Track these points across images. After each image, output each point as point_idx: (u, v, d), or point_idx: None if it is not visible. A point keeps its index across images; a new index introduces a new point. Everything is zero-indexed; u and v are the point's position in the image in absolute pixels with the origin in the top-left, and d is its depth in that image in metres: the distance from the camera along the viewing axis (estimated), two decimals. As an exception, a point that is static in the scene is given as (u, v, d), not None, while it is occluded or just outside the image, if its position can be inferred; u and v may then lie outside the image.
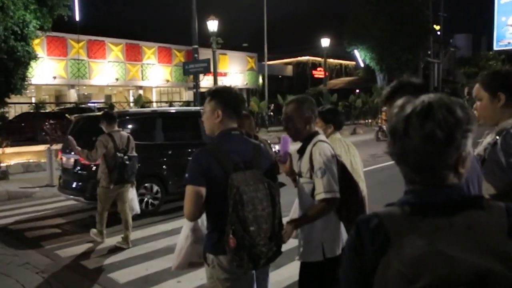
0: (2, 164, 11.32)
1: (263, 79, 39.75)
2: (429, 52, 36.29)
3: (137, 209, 6.02)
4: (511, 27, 48.03)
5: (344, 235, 2.65)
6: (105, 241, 5.96)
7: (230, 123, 2.36)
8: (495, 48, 47.91)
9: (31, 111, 22.19)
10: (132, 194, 5.93)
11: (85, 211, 7.84)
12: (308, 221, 2.56)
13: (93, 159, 5.62)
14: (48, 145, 11.02)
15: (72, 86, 27.64)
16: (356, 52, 31.88)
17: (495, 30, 48.93)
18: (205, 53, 33.67)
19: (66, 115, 20.08)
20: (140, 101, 15.89)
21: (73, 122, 8.08)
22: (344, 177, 2.61)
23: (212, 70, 16.16)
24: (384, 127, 20.81)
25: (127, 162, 5.62)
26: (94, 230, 5.96)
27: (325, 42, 24.89)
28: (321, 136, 2.69)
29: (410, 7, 28.89)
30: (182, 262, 2.64)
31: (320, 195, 2.48)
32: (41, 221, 7.31)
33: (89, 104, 24.32)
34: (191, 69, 14.88)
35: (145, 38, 30.98)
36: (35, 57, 15.16)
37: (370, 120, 27.40)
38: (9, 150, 12.46)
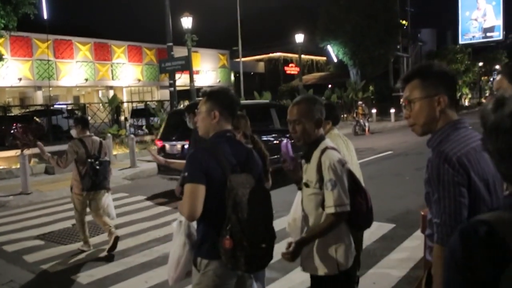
0: (-30, 172, 10.60)
1: (235, 76, 39.58)
2: (398, 47, 36.87)
3: (113, 215, 5.84)
4: (475, 21, 49.56)
5: (353, 245, 2.54)
6: (91, 249, 5.64)
7: (225, 125, 2.33)
8: (461, 42, 49.33)
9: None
10: (108, 200, 5.75)
11: (67, 219, 7.37)
12: (317, 237, 2.42)
13: (63, 165, 5.39)
14: (19, 150, 10.38)
15: (39, 88, 26.61)
16: (329, 47, 31.96)
17: (459, 25, 50.37)
18: (178, 51, 33.04)
19: (35, 117, 19.26)
20: (115, 101, 15.32)
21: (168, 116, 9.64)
22: (353, 184, 2.46)
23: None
24: (361, 121, 20.97)
25: (98, 167, 5.45)
26: (80, 243, 5.78)
27: (299, 37, 24.80)
28: (328, 141, 2.50)
29: (380, 2, 29.18)
30: (181, 273, 2.52)
31: (330, 209, 2.33)
32: (20, 232, 6.79)
33: (57, 106, 23.46)
34: (168, 67, 14.41)
35: (114, 37, 30.10)
36: (0, 58, 14.38)
37: (345, 115, 27.49)
38: (-24, 156, 11.72)
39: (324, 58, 47.88)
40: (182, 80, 33.14)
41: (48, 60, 26.20)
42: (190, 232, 2.48)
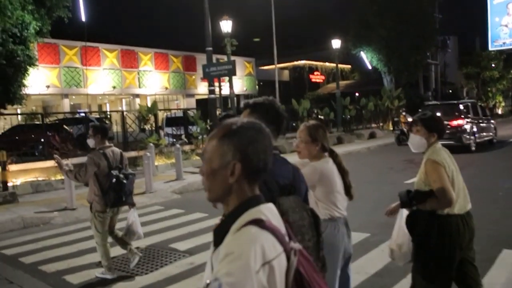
0: (9, 184, 9.78)
1: (259, 84, 38.71)
2: (427, 54, 35.65)
3: (140, 233, 5.32)
4: (505, 27, 48.02)
5: None
6: (115, 276, 4.99)
7: None
8: (490, 48, 47.68)
9: (23, 123, 20.62)
10: (133, 216, 5.22)
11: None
12: None
13: (82, 179, 4.88)
14: (67, 160, 9.53)
15: (66, 96, 26.02)
16: (363, 54, 30.87)
17: (489, 31, 48.86)
18: (204, 59, 32.54)
19: (64, 126, 18.55)
20: (154, 109, 14.50)
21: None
22: None
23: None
24: (405, 130, 19.84)
25: (125, 181, 4.91)
26: (99, 270, 5.10)
27: (336, 43, 23.75)
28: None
29: (414, 7, 28.10)
30: None
31: None
32: (78, 257, 5.87)
33: (82, 114, 22.81)
34: (213, 73, 13.48)
35: (140, 44, 29.48)
36: (35, 63, 13.64)
37: (381, 124, 26.37)
38: (13, 167, 10.91)
39: (349, 66, 46.79)
40: (206, 88, 32.54)
41: (76, 67, 25.64)
42: None
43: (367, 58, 30.86)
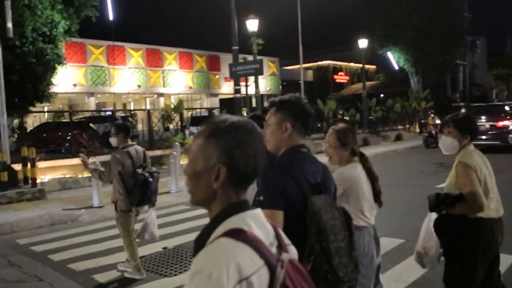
0: (37, 181, 9.87)
1: (282, 85, 38.52)
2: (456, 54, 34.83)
3: (156, 234, 5.18)
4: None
5: None
6: (144, 276, 4.90)
7: (298, 139, 2.07)
8: (522, 49, 46.49)
9: (50, 121, 20.90)
10: (151, 216, 5.09)
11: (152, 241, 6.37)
12: None
13: (106, 179, 4.82)
14: (94, 158, 9.57)
15: (92, 94, 26.38)
16: (390, 54, 30.34)
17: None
18: (228, 58, 32.54)
19: (90, 124, 18.75)
20: (180, 107, 14.48)
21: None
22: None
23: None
24: (434, 132, 19.37)
25: (150, 180, 4.82)
26: (128, 269, 4.98)
27: (363, 43, 23.36)
28: None
29: (444, 6, 27.46)
30: None
31: None
32: (105, 256, 5.83)
33: (108, 112, 23.08)
34: (240, 72, 13.38)
35: (165, 43, 29.68)
36: (63, 61, 13.80)
37: (408, 126, 25.84)
38: (41, 164, 11.01)
39: (374, 67, 46.13)
40: (230, 88, 32.47)
41: (102, 66, 25.95)
42: None
43: (394, 58, 30.29)
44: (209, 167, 1.17)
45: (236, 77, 13.79)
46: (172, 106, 14.95)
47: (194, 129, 16.58)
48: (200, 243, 1.16)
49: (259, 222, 1.17)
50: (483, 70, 48.15)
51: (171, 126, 16.07)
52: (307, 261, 1.84)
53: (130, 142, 4.99)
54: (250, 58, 27.80)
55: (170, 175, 10.37)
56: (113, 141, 5.01)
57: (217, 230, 1.13)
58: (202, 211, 8.41)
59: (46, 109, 23.03)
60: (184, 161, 13.33)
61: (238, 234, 1.09)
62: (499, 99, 45.05)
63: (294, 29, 28.42)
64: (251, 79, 15.81)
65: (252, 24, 15.83)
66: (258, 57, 30.89)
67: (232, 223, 1.13)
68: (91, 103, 26.37)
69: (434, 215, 3.10)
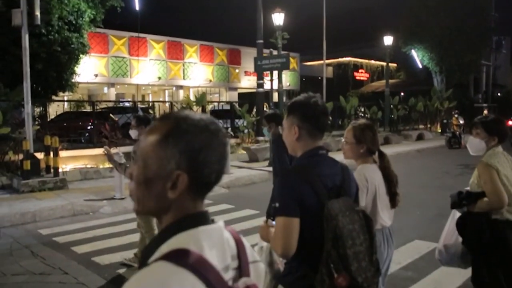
0: (60, 170, 9.83)
1: (301, 80, 38.14)
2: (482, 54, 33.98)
3: None
4: None
5: None
6: None
7: (311, 141, 2.00)
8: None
9: (70, 110, 20.98)
10: None
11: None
12: None
13: None
14: (115, 149, 9.49)
15: (112, 85, 26.42)
16: (414, 52, 29.72)
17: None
18: (249, 52, 32.29)
19: (111, 115, 18.74)
20: (203, 100, 14.33)
21: None
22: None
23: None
24: (457, 133, 18.93)
25: None
26: (134, 264, 4.88)
27: (388, 40, 22.89)
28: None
29: (471, 4, 26.76)
30: None
31: None
32: (120, 246, 5.71)
33: (127, 104, 23.07)
34: (265, 66, 13.14)
35: (186, 36, 29.56)
36: (87, 51, 13.77)
37: (429, 125, 25.32)
38: (63, 153, 10.98)
39: (395, 65, 45.38)
40: (250, 82, 32.19)
41: (123, 57, 25.96)
42: (272, 260, 2.30)
43: (417, 56, 29.67)
44: (165, 173, 0.96)
45: (261, 71, 13.56)
46: (194, 98, 14.79)
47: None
48: (144, 259, 0.96)
49: (214, 240, 0.97)
50: (507, 71, 46.96)
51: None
52: (324, 266, 1.82)
53: None
54: (273, 52, 27.53)
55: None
56: (133, 133, 4.88)
57: (162, 248, 0.94)
58: (225, 206, 8.29)
59: (66, 98, 23.16)
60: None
61: (180, 258, 0.89)
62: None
63: (315, 24, 28.04)
64: (274, 73, 15.53)
65: (278, 18, 15.53)
66: (283, 53, 30.72)
67: (179, 241, 0.94)
68: (111, 93, 26.41)
69: (457, 214, 3.14)
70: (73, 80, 13.99)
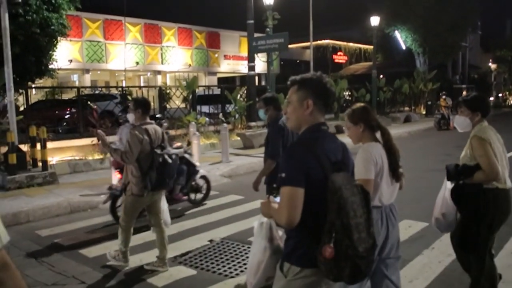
0: (48, 164, 9.02)
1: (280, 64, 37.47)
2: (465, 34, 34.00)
3: (168, 221, 4.85)
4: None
5: None
6: (128, 266, 4.58)
7: (319, 117, 2.08)
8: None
9: (43, 99, 19.79)
10: (163, 203, 4.77)
11: (192, 231, 5.66)
12: None
13: (129, 161, 4.29)
14: (96, 139, 8.73)
15: (87, 71, 25.15)
16: (397, 33, 29.46)
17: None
18: (228, 36, 31.35)
19: (89, 102, 17.73)
20: (193, 85, 13.60)
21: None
22: None
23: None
24: (446, 114, 18.85)
25: (170, 161, 4.46)
26: (112, 253, 4.61)
27: (375, 20, 22.44)
28: None
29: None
30: (260, 279, 2.33)
31: None
32: (135, 248, 5.11)
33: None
34: (261, 46, 12.46)
35: (164, 18, 28.40)
36: (67, 32, 12.77)
37: (414, 107, 25.27)
38: (48, 145, 10.13)
39: (372, 47, 45.32)
40: (229, 66, 31.34)
41: (98, 42, 24.72)
42: (272, 235, 2.34)
43: (401, 37, 29.43)
44: None
45: (256, 52, 12.89)
46: (186, 83, 14.02)
47: (205, 108, 15.67)
48: None
49: None
50: (478, 52, 47.61)
51: (174, 105, 15.17)
52: (327, 236, 1.85)
53: (148, 120, 4.55)
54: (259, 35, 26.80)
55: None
56: (130, 117, 4.73)
57: None
58: (234, 197, 7.72)
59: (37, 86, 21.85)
60: (202, 141, 12.53)
61: None
62: (497, 81, 44.78)
63: (292, 6, 27.19)
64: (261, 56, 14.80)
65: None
66: (258, 35, 29.88)
67: None
68: (86, 80, 25.14)
69: (449, 184, 3.39)
70: (51, 66, 12.99)
